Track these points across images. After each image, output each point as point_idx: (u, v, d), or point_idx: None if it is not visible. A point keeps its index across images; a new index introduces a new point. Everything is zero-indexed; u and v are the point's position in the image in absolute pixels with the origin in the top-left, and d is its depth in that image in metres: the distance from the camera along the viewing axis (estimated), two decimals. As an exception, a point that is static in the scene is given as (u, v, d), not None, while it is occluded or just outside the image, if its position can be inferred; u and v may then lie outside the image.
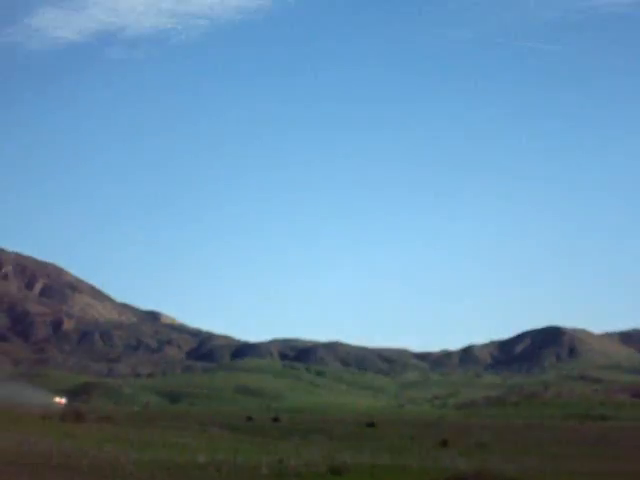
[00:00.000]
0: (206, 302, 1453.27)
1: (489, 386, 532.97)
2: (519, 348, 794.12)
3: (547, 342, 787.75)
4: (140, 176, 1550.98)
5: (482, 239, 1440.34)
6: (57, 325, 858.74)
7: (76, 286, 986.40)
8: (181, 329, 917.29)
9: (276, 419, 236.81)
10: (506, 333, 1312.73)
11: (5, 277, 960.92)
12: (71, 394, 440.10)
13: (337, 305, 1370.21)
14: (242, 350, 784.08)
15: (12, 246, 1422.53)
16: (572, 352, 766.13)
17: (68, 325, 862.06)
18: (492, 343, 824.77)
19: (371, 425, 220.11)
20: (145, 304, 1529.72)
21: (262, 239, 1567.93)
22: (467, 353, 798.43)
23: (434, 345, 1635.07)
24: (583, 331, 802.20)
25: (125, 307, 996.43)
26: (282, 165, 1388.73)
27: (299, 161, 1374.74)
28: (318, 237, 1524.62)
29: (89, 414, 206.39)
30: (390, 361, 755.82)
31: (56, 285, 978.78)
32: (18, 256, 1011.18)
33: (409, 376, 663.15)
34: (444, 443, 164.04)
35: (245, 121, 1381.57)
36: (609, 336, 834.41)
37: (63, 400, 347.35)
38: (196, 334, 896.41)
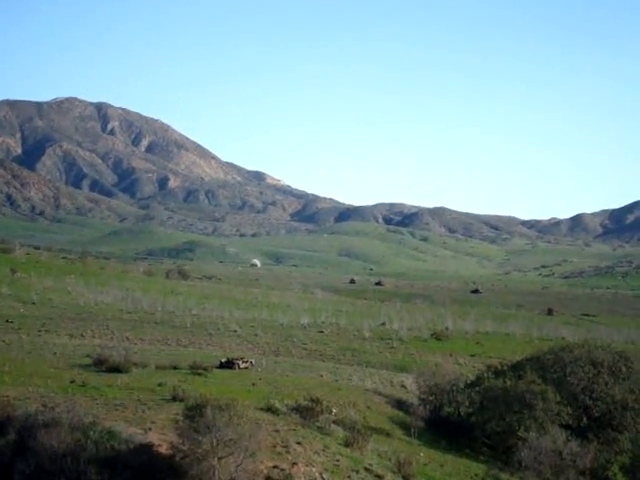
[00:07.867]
0: (311, 164, 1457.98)
1: (598, 256, 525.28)
2: (631, 217, 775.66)
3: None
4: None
5: (596, 106, 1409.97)
6: (163, 182, 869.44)
7: (182, 144, 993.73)
8: (286, 190, 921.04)
9: (379, 283, 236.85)
10: (618, 202, 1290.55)
11: (111, 133, 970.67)
12: (175, 252, 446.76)
13: (444, 170, 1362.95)
14: (346, 213, 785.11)
15: (118, 102, 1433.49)
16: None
17: (174, 183, 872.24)
18: (603, 212, 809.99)
19: (476, 292, 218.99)
20: (250, 164, 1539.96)
21: (371, 104, 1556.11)
22: (576, 221, 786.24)
23: (543, 213, 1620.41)
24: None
25: (231, 166, 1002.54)
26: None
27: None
28: (431, 104, 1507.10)
29: (193, 272, 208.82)
30: (497, 228, 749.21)
31: (162, 142, 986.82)
32: (124, 112, 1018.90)
33: (516, 244, 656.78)
34: (549, 312, 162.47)
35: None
36: None
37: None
38: (301, 196, 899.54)
